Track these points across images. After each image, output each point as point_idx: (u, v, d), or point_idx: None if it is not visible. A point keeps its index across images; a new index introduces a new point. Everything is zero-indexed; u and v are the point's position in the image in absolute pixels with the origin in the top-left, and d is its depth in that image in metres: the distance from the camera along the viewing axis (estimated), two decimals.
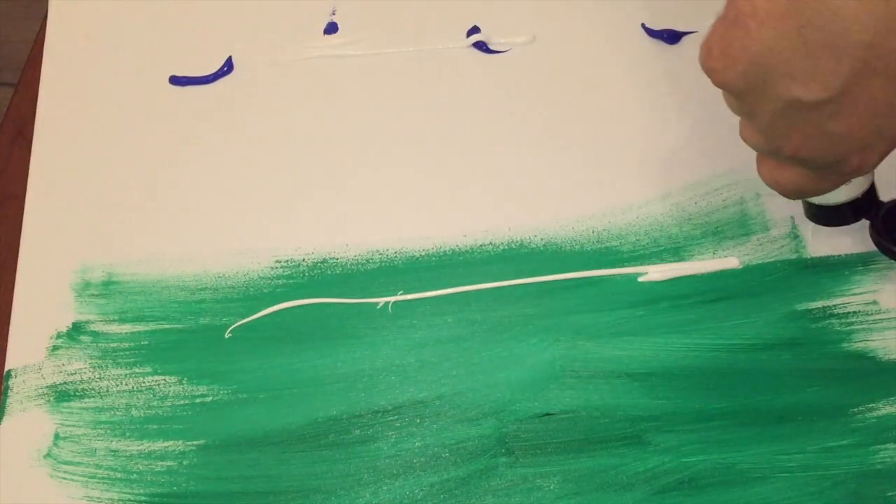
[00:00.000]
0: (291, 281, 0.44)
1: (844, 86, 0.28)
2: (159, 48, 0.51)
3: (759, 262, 0.44)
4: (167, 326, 0.42)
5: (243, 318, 0.43)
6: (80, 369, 0.41)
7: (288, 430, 0.40)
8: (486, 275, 0.43)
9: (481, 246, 0.44)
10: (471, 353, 0.42)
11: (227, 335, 0.42)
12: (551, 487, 0.39)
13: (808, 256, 0.44)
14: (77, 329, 0.42)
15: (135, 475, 0.39)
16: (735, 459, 0.39)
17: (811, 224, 0.45)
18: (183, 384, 0.41)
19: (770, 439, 0.40)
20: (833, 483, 0.39)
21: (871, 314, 0.42)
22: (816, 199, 0.41)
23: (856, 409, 0.40)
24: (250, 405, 0.41)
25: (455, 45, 0.51)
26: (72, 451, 0.40)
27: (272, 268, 0.44)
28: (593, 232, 0.45)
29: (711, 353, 0.41)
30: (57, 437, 0.40)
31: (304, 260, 0.44)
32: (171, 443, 0.40)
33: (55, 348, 0.42)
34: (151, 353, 0.42)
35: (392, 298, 0.43)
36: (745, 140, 0.36)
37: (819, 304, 0.43)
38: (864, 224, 0.44)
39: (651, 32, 0.51)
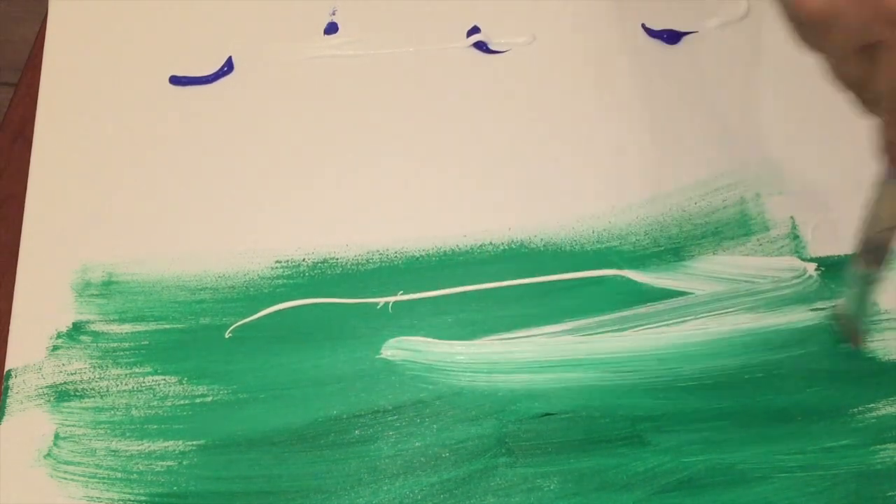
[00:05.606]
0: (291, 281, 0.44)
1: None
2: (159, 48, 0.51)
3: (759, 261, 0.44)
4: (167, 326, 0.42)
5: (243, 318, 0.43)
6: (81, 369, 0.41)
7: (288, 430, 0.40)
8: (486, 275, 0.43)
9: (481, 246, 0.44)
10: (471, 353, 0.42)
11: (227, 335, 0.42)
12: (551, 487, 0.39)
13: (809, 256, 0.44)
14: (77, 329, 0.42)
15: (135, 475, 0.39)
16: (735, 459, 0.39)
17: (811, 224, 0.45)
18: (183, 384, 0.41)
19: (770, 439, 0.40)
20: (833, 483, 0.39)
21: (871, 315, 0.42)
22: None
23: (856, 410, 0.40)
24: (250, 405, 0.41)
25: (455, 45, 0.51)
26: (72, 451, 0.40)
27: (272, 268, 0.44)
28: (593, 232, 0.45)
29: (711, 354, 0.41)
30: (57, 436, 0.40)
31: (304, 260, 0.44)
32: (171, 443, 0.40)
33: (55, 348, 0.42)
34: (151, 353, 0.42)
35: (392, 298, 0.43)
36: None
37: (818, 304, 0.43)
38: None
39: (651, 32, 0.51)
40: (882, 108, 0.28)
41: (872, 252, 0.33)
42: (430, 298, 0.43)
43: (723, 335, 0.42)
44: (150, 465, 0.39)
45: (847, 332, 0.41)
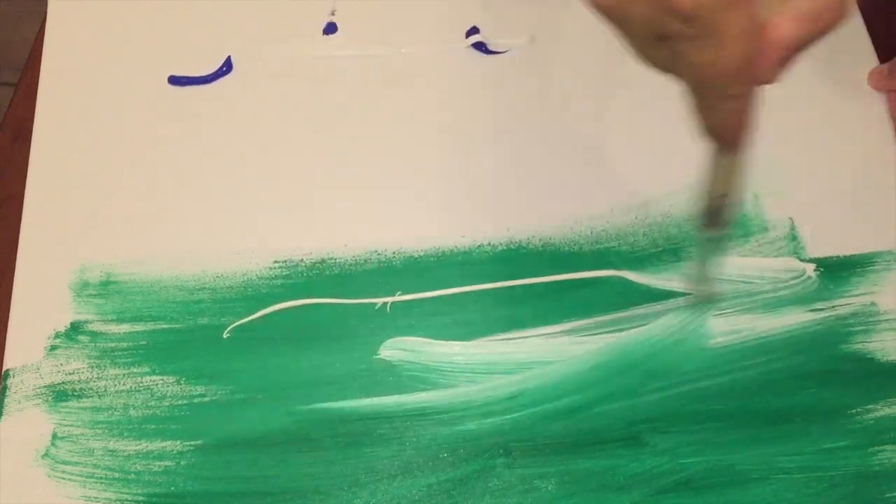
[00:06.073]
0: (290, 281, 0.44)
1: None
2: (159, 48, 0.51)
3: (758, 262, 0.44)
4: (165, 326, 0.42)
5: (242, 318, 0.43)
6: (79, 369, 0.41)
7: (286, 430, 0.40)
8: (484, 275, 0.43)
9: (479, 246, 0.44)
10: (469, 353, 0.42)
11: (225, 335, 0.42)
12: (549, 488, 0.39)
13: (807, 258, 0.44)
14: (75, 329, 0.42)
15: (132, 475, 0.39)
16: (733, 460, 0.39)
17: (810, 225, 0.45)
18: (181, 384, 0.41)
19: (768, 440, 0.40)
20: (831, 484, 0.39)
21: (869, 316, 0.42)
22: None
23: (854, 411, 0.40)
24: (248, 405, 0.41)
25: (454, 46, 0.51)
26: (70, 451, 0.40)
27: (270, 268, 0.44)
28: (591, 232, 0.45)
29: (709, 354, 0.41)
30: (55, 436, 0.40)
31: (302, 260, 0.44)
32: (168, 443, 0.40)
33: (53, 348, 0.42)
34: (149, 353, 0.42)
35: (390, 299, 0.43)
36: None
37: (817, 305, 0.43)
38: (863, 226, 0.44)
39: None
40: (693, 93, 0.27)
41: (712, 216, 0.35)
42: (428, 299, 0.43)
43: (721, 336, 0.42)
44: (148, 465, 0.39)
45: (698, 289, 0.42)
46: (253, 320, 0.43)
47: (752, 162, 0.31)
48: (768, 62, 0.25)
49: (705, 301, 0.42)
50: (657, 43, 0.25)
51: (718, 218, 0.35)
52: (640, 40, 0.26)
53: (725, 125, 0.28)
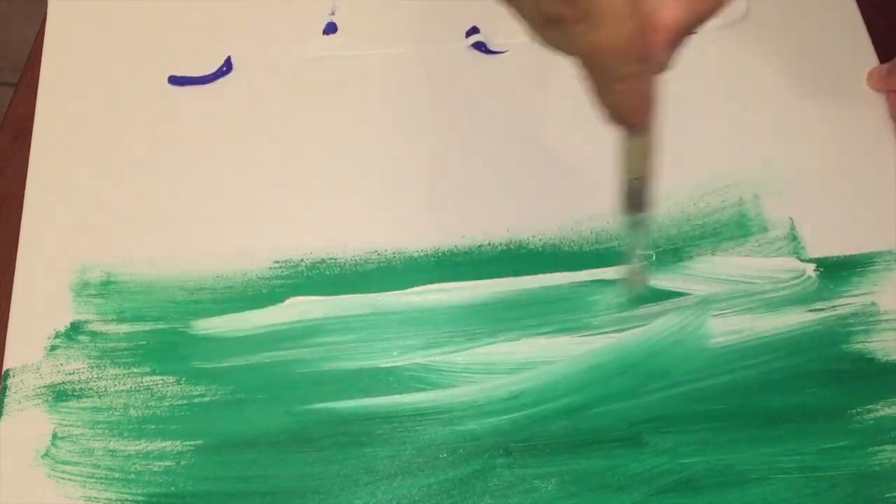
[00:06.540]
0: (290, 281, 0.44)
1: None
2: (159, 48, 0.51)
3: (758, 262, 0.44)
4: (165, 326, 0.42)
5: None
6: (79, 369, 0.41)
7: (286, 430, 0.40)
8: (484, 275, 0.43)
9: (480, 246, 0.44)
10: (469, 353, 0.42)
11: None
12: (549, 488, 0.39)
13: (807, 258, 0.44)
14: (75, 329, 0.42)
15: (132, 475, 0.39)
16: (733, 460, 0.39)
17: (810, 225, 0.45)
18: (181, 384, 0.41)
19: (768, 440, 0.40)
20: (831, 484, 0.39)
21: (869, 316, 0.42)
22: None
23: (854, 411, 0.40)
24: (248, 405, 0.41)
25: (454, 46, 0.51)
26: (70, 451, 0.40)
27: (271, 268, 0.44)
28: (592, 232, 0.45)
29: (709, 354, 0.41)
30: (55, 436, 0.40)
31: (302, 260, 0.44)
32: (168, 443, 0.40)
33: (53, 348, 0.42)
34: (149, 353, 0.42)
35: (390, 300, 0.43)
36: None
37: (817, 305, 0.43)
38: (863, 226, 0.44)
39: None
40: (588, 76, 0.28)
41: (632, 200, 0.36)
42: (428, 299, 0.43)
43: (721, 336, 0.42)
44: (148, 465, 0.39)
45: (628, 275, 0.42)
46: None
47: (660, 142, 0.32)
48: (658, 44, 0.26)
49: (637, 287, 0.42)
50: (547, 25, 0.26)
51: (638, 201, 0.36)
52: (532, 22, 0.27)
53: (624, 107, 0.28)
